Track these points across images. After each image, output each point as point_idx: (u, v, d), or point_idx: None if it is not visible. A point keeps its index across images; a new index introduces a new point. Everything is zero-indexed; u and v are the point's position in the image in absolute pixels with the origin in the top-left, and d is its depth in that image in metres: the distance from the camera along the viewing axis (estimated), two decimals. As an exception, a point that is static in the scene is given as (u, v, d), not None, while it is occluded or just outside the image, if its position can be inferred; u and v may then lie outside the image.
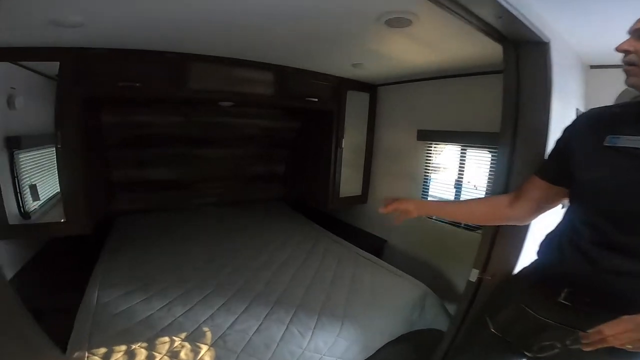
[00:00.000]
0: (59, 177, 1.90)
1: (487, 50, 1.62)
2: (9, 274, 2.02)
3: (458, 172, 2.37)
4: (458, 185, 2.39)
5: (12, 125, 1.95)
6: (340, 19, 1.43)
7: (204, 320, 1.56)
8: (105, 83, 1.88)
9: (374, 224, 3.13)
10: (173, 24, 1.56)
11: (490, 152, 2.16)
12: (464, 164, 2.34)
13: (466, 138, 2.27)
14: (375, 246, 2.89)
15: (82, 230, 1.98)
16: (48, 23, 1.46)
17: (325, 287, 1.97)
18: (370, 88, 2.92)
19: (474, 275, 1.41)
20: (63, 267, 2.20)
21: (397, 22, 1.39)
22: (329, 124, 2.80)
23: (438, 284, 2.16)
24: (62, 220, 1.94)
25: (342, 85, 2.70)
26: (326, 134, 2.84)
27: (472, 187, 2.28)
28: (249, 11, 1.37)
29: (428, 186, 2.60)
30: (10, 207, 1.92)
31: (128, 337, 1.36)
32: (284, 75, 2.38)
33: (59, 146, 1.84)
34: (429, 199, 2.61)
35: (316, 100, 2.55)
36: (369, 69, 2.35)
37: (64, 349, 1.27)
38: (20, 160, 2.04)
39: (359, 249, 2.54)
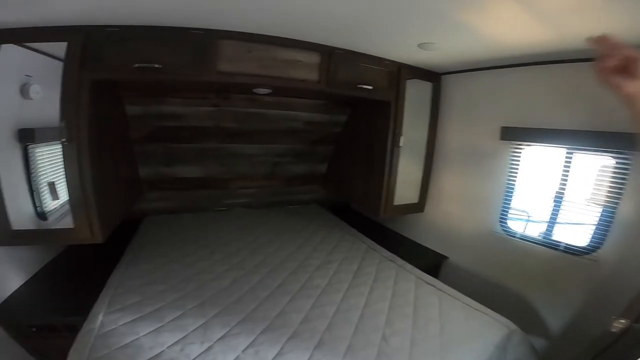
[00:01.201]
0: (66, 179, 1.65)
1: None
2: (17, 283, 1.83)
3: (560, 183, 1.81)
4: (558, 200, 1.83)
5: (26, 116, 1.74)
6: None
7: (225, 368, 1.19)
8: (118, 65, 1.58)
9: (432, 237, 2.65)
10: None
11: (616, 157, 1.60)
12: (568, 172, 1.78)
13: (577, 138, 1.70)
14: (432, 263, 2.43)
15: (92, 239, 1.72)
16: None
17: (379, 323, 1.54)
18: (433, 76, 2.42)
19: (617, 325, 1.12)
20: (80, 274, 1.98)
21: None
22: (384, 118, 2.33)
23: (515, 314, 1.66)
24: (72, 227, 1.69)
25: (402, 72, 2.23)
26: (380, 130, 2.38)
27: (585, 202, 1.71)
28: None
29: (511, 197, 2.06)
30: (25, 207, 1.71)
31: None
32: (332, 57, 1.96)
33: (63, 140, 1.57)
34: (511, 213, 2.07)
35: (371, 88, 2.10)
36: (441, 50, 1.86)
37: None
38: (37, 155, 1.83)
39: (420, 271, 2.06)
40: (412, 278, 1.96)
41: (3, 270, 1.76)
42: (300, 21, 1.57)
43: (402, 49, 1.93)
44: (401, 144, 2.31)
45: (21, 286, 1.81)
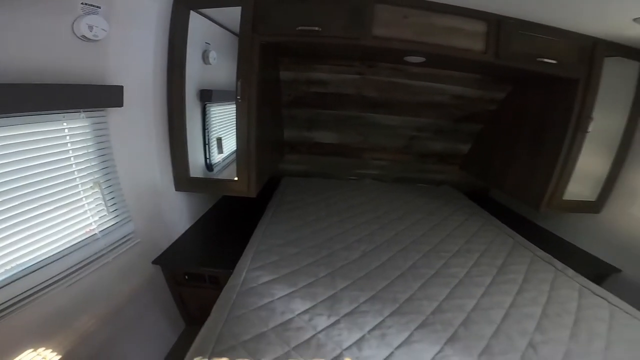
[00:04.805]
0: (236, 133, 1.83)
1: None
2: (183, 228, 2.13)
3: None
4: None
5: (206, 79, 2.00)
6: None
7: (348, 347, 1.18)
8: (283, 28, 1.67)
9: (602, 244, 2.15)
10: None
11: None
12: None
13: None
14: (595, 273, 1.99)
15: (248, 193, 1.92)
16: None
17: (527, 328, 1.33)
18: None
19: None
20: (229, 226, 2.26)
21: None
22: (565, 99, 1.92)
23: None
24: (235, 179, 1.91)
25: (598, 48, 1.79)
26: (559, 111, 1.98)
27: None
28: None
29: None
30: (197, 158, 2.00)
31: (255, 350, 1.11)
32: (503, 27, 1.72)
33: (238, 97, 1.74)
34: None
35: (554, 62, 1.75)
36: None
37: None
38: (211, 113, 2.11)
39: (587, 279, 1.71)
40: (575, 286, 1.64)
41: (178, 214, 2.09)
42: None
43: (607, 23, 1.60)
44: (590, 129, 1.86)
45: (185, 232, 2.12)
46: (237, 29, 1.68)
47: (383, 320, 1.32)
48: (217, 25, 1.89)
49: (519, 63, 1.78)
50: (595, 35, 1.76)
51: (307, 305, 1.37)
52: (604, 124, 1.92)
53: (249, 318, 1.25)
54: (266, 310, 1.31)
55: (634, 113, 1.94)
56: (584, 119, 1.85)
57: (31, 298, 1.12)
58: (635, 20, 1.46)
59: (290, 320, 1.27)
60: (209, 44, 1.96)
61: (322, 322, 1.28)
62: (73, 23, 1.19)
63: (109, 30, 1.29)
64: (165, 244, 1.91)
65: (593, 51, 1.80)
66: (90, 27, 1.22)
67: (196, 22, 1.73)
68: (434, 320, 1.34)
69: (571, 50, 1.79)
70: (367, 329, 1.27)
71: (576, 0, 1.40)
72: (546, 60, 1.75)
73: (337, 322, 1.29)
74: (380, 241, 2.00)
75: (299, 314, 1.31)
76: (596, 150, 1.99)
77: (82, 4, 1.21)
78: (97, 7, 1.25)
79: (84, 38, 1.22)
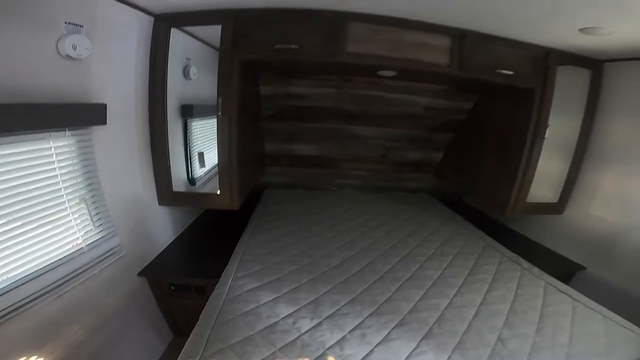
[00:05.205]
0: (217, 148, 1.88)
1: None
2: (168, 241, 2.16)
3: None
4: None
5: (186, 94, 2.04)
6: None
7: (331, 346, 1.24)
8: (262, 46, 1.74)
9: (567, 243, 2.30)
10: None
11: None
12: None
13: None
14: (562, 271, 2.10)
15: (231, 206, 1.97)
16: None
17: (496, 324, 1.41)
18: (593, 63, 2.04)
19: None
20: (213, 238, 2.29)
21: None
22: (523, 107, 2.08)
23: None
24: (217, 193, 1.96)
25: (550, 58, 1.95)
26: (519, 119, 2.13)
27: None
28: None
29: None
30: (180, 173, 2.03)
31: (243, 352, 1.15)
32: (465, 41, 1.84)
33: (219, 114, 1.79)
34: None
35: (511, 73, 1.89)
36: (611, 36, 1.57)
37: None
38: (193, 128, 2.15)
39: (552, 277, 1.82)
40: (540, 283, 1.75)
41: (163, 227, 2.12)
42: (430, 2, 1.51)
43: (555, 33, 1.72)
44: (546, 135, 2.02)
45: (170, 244, 2.15)
46: (217, 43, 1.74)
47: (363, 321, 1.39)
48: (196, 40, 1.95)
49: (480, 75, 1.91)
50: (548, 45, 1.90)
51: (291, 309, 1.43)
52: (561, 129, 2.09)
53: (236, 323, 1.30)
54: (252, 315, 1.36)
55: (587, 118, 2.11)
56: (541, 125, 2.01)
57: (22, 309, 1.15)
58: (580, 30, 1.58)
59: (275, 324, 1.33)
60: (189, 59, 2.01)
61: (306, 324, 1.34)
62: (57, 42, 1.22)
63: (91, 49, 1.33)
64: (150, 256, 1.93)
65: (547, 61, 1.95)
66: (74, 46, 1.25)
67: (177, 37, 1.78)
68: (411, 320, 1.42)
69: (527, 61, 1.94)
70: (348, 329, 1.34)
71: (528, 12, 1.49)
72: (504, 71, 1.88)
73: (319, 324, 1.35)
74: (359, 248, 2.08)
75: (284, 318, 1.37)
76: (556, 154, 2.15)
77: (65, 22, 1.24)
78: (80, 26, 1.29)
79: (68, 57, 1.25)
